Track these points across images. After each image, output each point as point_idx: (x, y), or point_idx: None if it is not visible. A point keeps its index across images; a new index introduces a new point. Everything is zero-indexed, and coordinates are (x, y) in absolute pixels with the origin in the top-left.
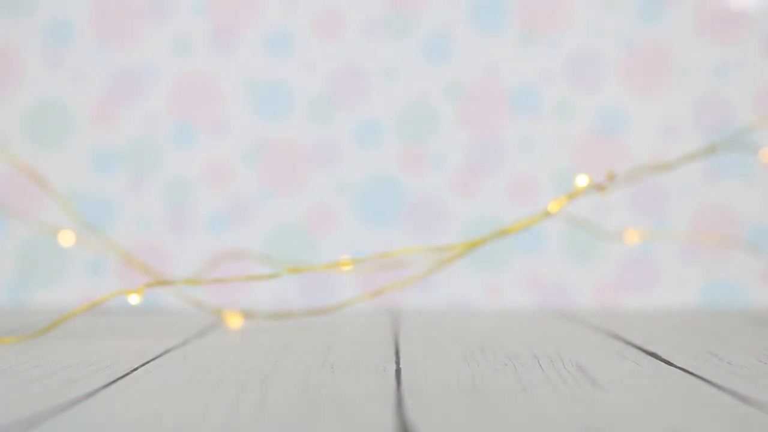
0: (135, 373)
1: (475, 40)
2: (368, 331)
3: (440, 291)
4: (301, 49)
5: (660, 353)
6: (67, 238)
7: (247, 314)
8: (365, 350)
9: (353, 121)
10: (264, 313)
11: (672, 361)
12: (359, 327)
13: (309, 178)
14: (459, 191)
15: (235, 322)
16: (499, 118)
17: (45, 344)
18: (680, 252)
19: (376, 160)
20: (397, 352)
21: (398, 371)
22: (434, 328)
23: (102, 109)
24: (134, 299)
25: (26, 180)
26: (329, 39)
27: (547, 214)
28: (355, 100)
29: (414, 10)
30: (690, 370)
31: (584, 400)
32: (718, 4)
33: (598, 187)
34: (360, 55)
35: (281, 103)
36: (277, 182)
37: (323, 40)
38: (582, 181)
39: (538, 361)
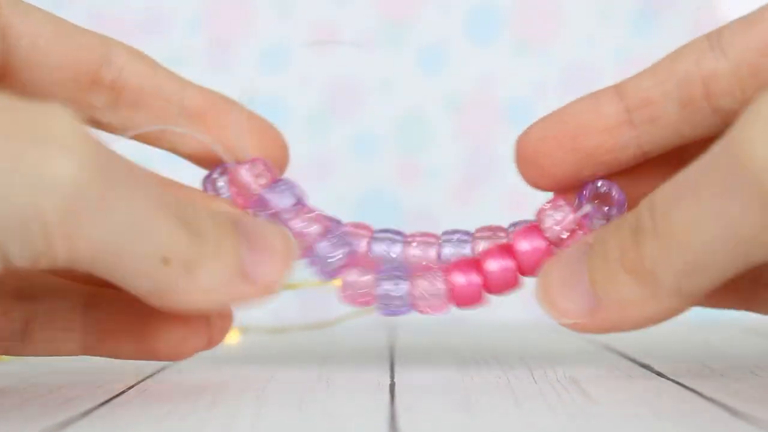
0: (130, 391)
1: (469, 52)
2: (364, 345)
3: None
4: (296, 62)
5: (653, 365)
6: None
7: (244, 330)
8: (360, 364)
9: (349, 134)
10: (261, 328)
11: (665, 374)
12: (355, 341)
13: (306, 191)
14: (455, 202)
15: (231, 338)
16: (494, 130)
17: (41, 362)
18: None
19: (372, 172)
20: (391, 367)
21: (392, 385)
22: (429, 341)
23: None
24: None
25: None
26: (324, 52)
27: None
28: (350, 112)
29: (408, 22)
30: (682, 382)
31: (576, 414)
32: (712, 16)
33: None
34: (355, 68)
35: (277, 117)
36: None
37: (318, 53)
38: None
39: (532, 374)
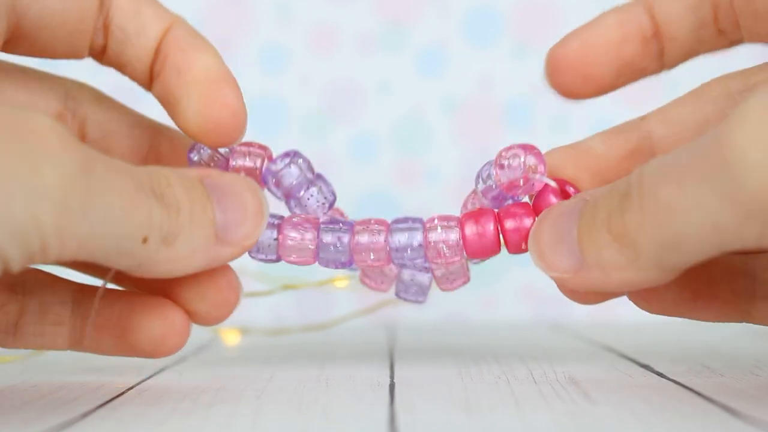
0: (130, 392)
1: (468, 54)
2: (364, 345)
3: (436, 305)
4: (296, 64)
5: (653, 365)
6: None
7: (244, 331)
8: (360, 365)
9: (348, 136)
10: (261, 329)
11: (665, 374)
12: (355, 342)
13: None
14: (454, 204)
15: (232, 339)
16: (493, 131)
17: (41, 363)
18: None
19: (371, 173)
20: (391, 367)
21: (392, 386)
22: (429, 341)
23: None
24: None
25: None
26: (324, 54)
27: None
28: (349, 114)
29: (407, 24)
30: (682, 382)
31: (576, 414)
32: None
33: None
34: (354, 70)
35: (277, 118)
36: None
37: (318, 55)
38: None
39: (532, 374)
